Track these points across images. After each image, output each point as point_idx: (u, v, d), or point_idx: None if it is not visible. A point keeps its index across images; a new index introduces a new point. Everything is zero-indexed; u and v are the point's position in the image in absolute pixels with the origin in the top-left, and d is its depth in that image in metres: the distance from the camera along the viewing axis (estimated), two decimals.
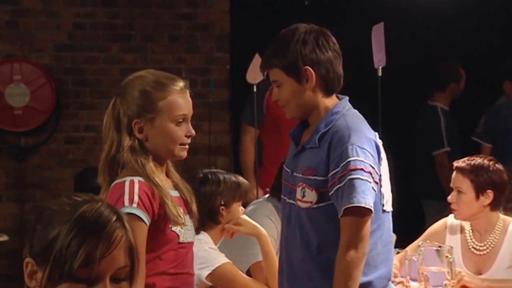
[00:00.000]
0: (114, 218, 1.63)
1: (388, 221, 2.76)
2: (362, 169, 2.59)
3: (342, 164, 2.59)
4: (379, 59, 4.06)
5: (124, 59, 6.18)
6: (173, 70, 5.86)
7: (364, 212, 2.59)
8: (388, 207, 2.75)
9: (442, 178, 5.80)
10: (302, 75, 2.69)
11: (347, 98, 2.79)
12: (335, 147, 2.62)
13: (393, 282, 3.36)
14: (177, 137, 2.58)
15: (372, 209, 2.61)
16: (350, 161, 2.59)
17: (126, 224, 1.65)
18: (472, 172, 3.51)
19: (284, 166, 2.88)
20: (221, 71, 6.26)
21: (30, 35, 6.13)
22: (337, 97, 2.79)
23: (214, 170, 3.38)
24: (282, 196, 2.84)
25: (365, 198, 2.58)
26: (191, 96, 2.64)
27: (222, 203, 3.26)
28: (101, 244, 1.58)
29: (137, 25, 6.22)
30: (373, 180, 2.62)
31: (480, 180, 3.49)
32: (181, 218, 2.54)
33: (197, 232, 3.23)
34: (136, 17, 6.22)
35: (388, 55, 4.07)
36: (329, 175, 2.63)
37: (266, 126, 5.20)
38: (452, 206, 3.56)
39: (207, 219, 3.24)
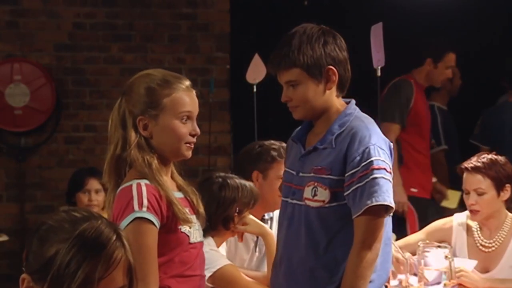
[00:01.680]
0: (114, 237, 1.60)
1: (389, 225, 2.76)
2: (385, 169, 2.60)
3: (363, 164, 2.59)
4: (378, 59, 4.06)
5: (124, 59, 6.18)
6: (173, 70, 5.76)
7: (382, 212, 2.60)
8: None
9: (439, 176, 5.84)
10: (324, 74, 2.68)
11: (354, 101, 2.79)
12: (355, 147, 2.61)
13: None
14: (182, 134, 2.55)
15: (394, 207, 2.63)
16: (373, 160, 2.58)
17: (125, 243, 1.63)
18: (490, 169, 3.48)
19: (286, 168, 2.86)
20: (221, 71, 6.27)
21: (30, 35, 6.13)
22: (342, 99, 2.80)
23: (230, 175, 3.38)
24: (283, 198, 2.82)
25: (390, 197, 2.60)
26: (196, 96, 2.63)
27: (237, 210, 3.26)
28: (100, 265, 1.56)
29: (137, 25, 6.22)
30: (392, 181, 2.64)
31: (499, 176, 3.48)
32: (189, 216, 2.53)
33: (205, 235, 3.24)
34: (136, 17, 6.22)
35: (387, 55, 4.07)
36: (347, 174, 2.62)
37: (409, 124, 5.28)
38: (474, 208, 3.51)
39: (220, 224, 3.25)
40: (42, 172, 6.15)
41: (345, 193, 2.62)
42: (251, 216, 3.33)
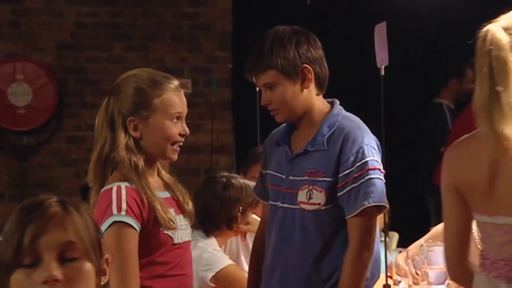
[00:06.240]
0: (54, 200, 1.55)
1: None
2: (379, 169, 2.61)
3: (358, 164, 2.58)
4: (382, 58, 4.05)
5: (126, 58, 6.19)
6: (175, 69, 5.86)
7: (375, 212, 2.61)
8: None
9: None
10: (300, 74, 2.67)
11: (337, 100, 2.76)
12: (349, 147, 2.60)
13: (399, 282, 3.37)
14: (171, 134, 2.55)
15: (388, 207, 2.64)
16: (367, 161, 2.58)
17: (72, 208, 1.55)
18: None
19: (270, 171, 2.80)
20: (223, 70, 6.26)
21: (33, 34, 6.13)
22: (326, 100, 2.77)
23: (233, 175, 3.38)
24: (271, 202, 2.78)
25: (385, 197, 2.61)
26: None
27: (241, 210, 3.26)
28: (33, 224, 1.51)
29: (139, 24, 6.22)
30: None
31: None
32: (173, 222, 2.50)
33: (208, 235, 3.25)
34: (138, 16, 6.22)
35: (391, 54, 4.06)
36: (340, 175, 2.60)
37: None
38: None
39: (223, 224, 3.25)
40: (44, 171, 6.15)
41: (339, 194, 2.61)
42: (254, 216, 3.33)
